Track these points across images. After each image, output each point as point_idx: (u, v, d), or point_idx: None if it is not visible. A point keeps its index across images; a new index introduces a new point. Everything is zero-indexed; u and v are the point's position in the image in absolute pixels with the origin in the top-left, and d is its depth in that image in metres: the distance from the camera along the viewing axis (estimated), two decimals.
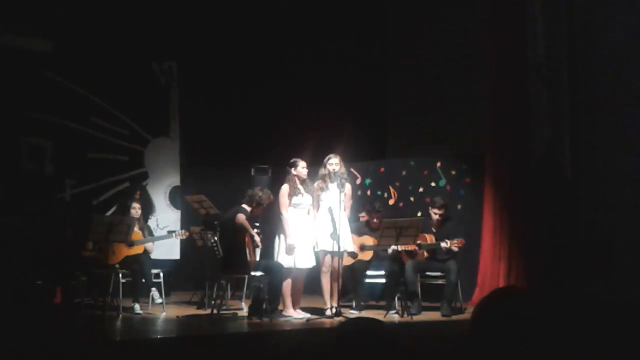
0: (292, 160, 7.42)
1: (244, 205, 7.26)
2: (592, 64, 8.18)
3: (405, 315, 7.09)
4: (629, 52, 7.93)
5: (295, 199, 7.29)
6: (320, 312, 7.30)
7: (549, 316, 1.80)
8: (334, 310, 7.16)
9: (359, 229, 8.18)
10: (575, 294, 7.38)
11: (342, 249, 7.28)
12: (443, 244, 7.44)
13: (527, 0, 8.46)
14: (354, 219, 8.50)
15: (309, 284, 7.60)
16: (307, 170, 7.39)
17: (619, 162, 7.90)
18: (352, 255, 7.84)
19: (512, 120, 8.50)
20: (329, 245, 7.25)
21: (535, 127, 8.44)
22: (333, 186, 7.38)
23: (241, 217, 7.10)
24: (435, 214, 7.74)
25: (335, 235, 7.17)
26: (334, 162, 7.43)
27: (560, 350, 1.85)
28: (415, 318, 7.11)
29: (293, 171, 7.34)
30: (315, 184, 7.43)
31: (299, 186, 7.32)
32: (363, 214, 8.60)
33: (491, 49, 8.72)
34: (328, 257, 7.32)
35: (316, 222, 7.38)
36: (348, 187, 7.47)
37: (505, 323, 1.79)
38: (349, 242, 7.45)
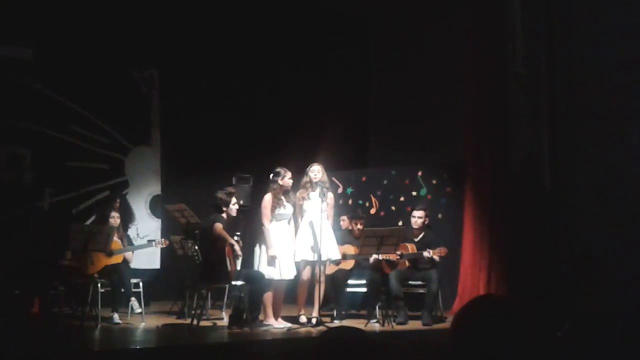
0: (277, 170, 7.32)
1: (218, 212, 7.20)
2: (571, 73, 8.27)
3: (386, 324, 7.09)
4: (608, 61, 8.02)
5: (277, 210, 7.24)
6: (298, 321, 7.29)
7: (528, 324, 1.81)
8: (314, 320, 7.14)
9: (341, 238, 8.16)
10: (554, 302, 7.42)
11: (327, 258, 7.28)
12: (426, 253, 7.45)
13: (507, 10, 8.54)
14: (336, 227, 8.50)
15: (289, 293, 7.57)
16: (292, 181, 7.35)
17: (598, 172, 7.98)
18: (335, 262, 7.81)
19: (492, 129, 8.57)
20: (309, 255, 7.24)
21: (515, 136, 8.50)
22: (314, 195, 7.37)
23: (218, 227, 7.01)
24: (414, 217, 7.75)
25: (316, 249, 7.15)
26: (315, 170, 7.42)
27: (538, 357, 1.86)
28: (396, 327, 7.12)
29: (280, 181, 7.25)
30: (298, 193, 7.41)
31: (282, 197, 7.28)
32: (344, 217, 8.59)
33: (471, 58, 8.79)
34: (308, 267, 7.31)
35: (298, 232, 7.36)
36: (330, 196, 7.47)
37: (484, 331, 1.80)
38: (334, 251, 7.44)
